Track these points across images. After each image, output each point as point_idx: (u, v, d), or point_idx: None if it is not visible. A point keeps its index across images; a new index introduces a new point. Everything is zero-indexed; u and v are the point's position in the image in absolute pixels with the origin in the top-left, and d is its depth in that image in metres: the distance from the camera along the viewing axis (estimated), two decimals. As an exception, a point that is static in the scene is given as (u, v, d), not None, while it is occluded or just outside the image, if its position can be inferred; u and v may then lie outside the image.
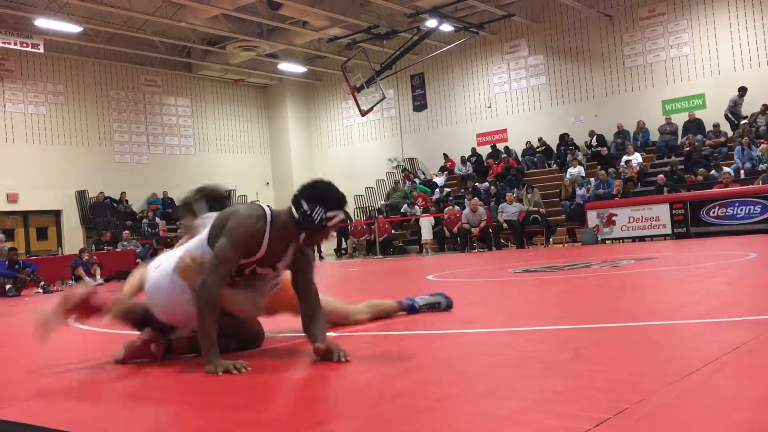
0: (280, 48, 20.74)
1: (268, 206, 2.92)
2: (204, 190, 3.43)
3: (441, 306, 4.05)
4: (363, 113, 19.04)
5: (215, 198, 3.37)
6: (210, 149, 23.03)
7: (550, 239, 15.70)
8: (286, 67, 22.68)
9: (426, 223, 17.66)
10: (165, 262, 3.00)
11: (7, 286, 11.98)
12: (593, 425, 1.61)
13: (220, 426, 1.92)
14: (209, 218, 3.03)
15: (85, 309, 3.09)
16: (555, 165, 18.84)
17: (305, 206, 2.72)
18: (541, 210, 15.96)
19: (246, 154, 24.20)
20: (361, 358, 2.85)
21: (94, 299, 3.09)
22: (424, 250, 17.34)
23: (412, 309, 3.98)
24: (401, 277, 8.71)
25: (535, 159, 19.33)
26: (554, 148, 19.11)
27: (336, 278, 9.92)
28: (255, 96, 24.80)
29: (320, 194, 2.77)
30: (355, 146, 23.80)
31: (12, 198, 18.11)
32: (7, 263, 12.46)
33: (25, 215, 18.88)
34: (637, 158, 16.85)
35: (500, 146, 20.15)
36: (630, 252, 9.76)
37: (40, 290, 12.32)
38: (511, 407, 1.86)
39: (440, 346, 2.98)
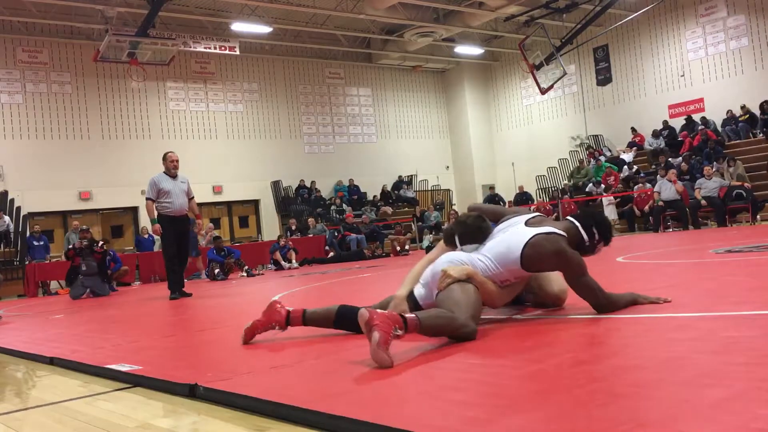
0: (456, 31, 20.74)
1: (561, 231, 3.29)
2: (462, 225, 3.53)
3: None
4: (543, 91, 18.51)
5: (471, 232, 3.46)
6: (391, 136, 23.64)
7: (757, 216, 14.32)
8: (463, 49, 22.64)
9: (606, 203, 16.93)
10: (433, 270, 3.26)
11: (216, 270, 13.18)
12: (820, 419, 1.45)
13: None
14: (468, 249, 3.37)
15: None
16: (761, 134, 17.12)
17: (596, 235, 3.33)
18: (746, 184, 14.59)
19: (426, 139, 24.54)
20: (551, 342, 2.79)
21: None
22: (611, 231, 16.61)
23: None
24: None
25: (738, 128, 17.69)
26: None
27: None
28: (433, 81, 25.04)
29: (607, 229, 3.39)
30: (535, 126, 23.24)
31: (217, 190, 19.89)
32: (215, 250, 13.73)
33: (229, 205, 20.67)
34: None
35: (696, 117, 18.69)
36: None
37: (244, 274, 13.44)
38: (718, 395, 1.73)
39: (637, 331, 2.84)
